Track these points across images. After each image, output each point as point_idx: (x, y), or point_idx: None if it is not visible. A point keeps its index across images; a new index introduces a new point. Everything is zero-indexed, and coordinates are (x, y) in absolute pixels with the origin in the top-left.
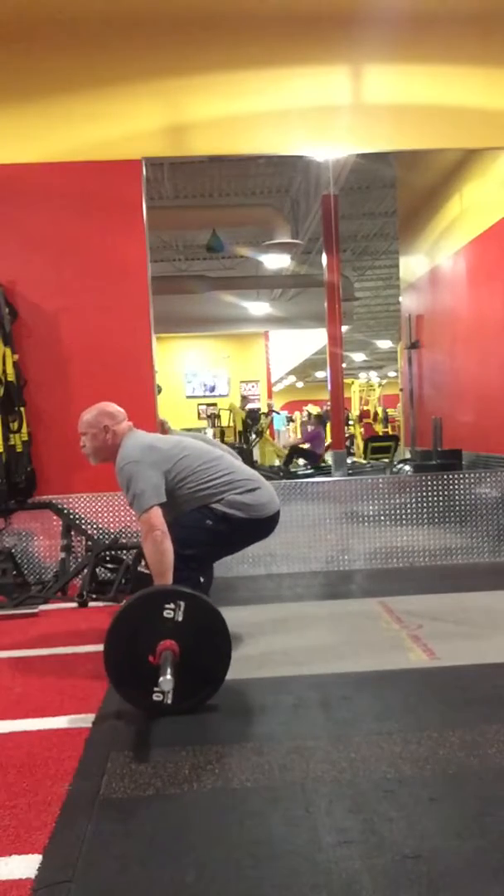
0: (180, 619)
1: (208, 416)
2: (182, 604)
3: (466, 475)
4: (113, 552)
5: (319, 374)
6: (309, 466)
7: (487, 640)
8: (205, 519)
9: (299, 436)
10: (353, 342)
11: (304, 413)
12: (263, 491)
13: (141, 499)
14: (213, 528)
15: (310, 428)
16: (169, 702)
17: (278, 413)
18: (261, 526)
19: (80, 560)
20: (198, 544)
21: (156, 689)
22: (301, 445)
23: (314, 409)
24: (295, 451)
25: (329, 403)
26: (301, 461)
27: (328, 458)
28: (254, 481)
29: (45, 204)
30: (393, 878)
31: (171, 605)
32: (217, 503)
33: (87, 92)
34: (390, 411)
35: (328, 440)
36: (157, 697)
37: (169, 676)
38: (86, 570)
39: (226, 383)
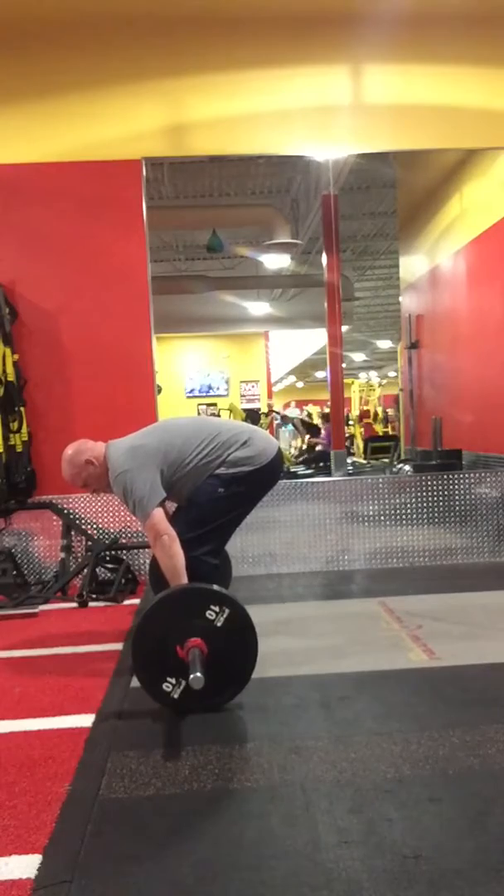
0: (219, 624)
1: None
2: (227, 612)
3: (466, 475)
4: (113, 552)
5: (319, 374)
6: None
7: (487, 640)
8: (216, 489)
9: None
10: (353, 342)
11: (304, 413)
12: (256, 438)
13: (141, 505)
14: (227, 494)
15: (323, 428)
16: (176, 696)
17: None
18: (270, 470)
19: (80, 560)
20: (220, 515)
21: (169, 678)
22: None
23: (314, 409)
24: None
25: (329, 403)
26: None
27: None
28: (244, 432)
29: (45, 204)
30: (393, 878)
31: (217, 609)
32: (220, 468)
33: (87, 92)
34: (390, 411)
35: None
36: (166, 687)
37: (199, 674)
38: (86, 570)
39: (226, 383)
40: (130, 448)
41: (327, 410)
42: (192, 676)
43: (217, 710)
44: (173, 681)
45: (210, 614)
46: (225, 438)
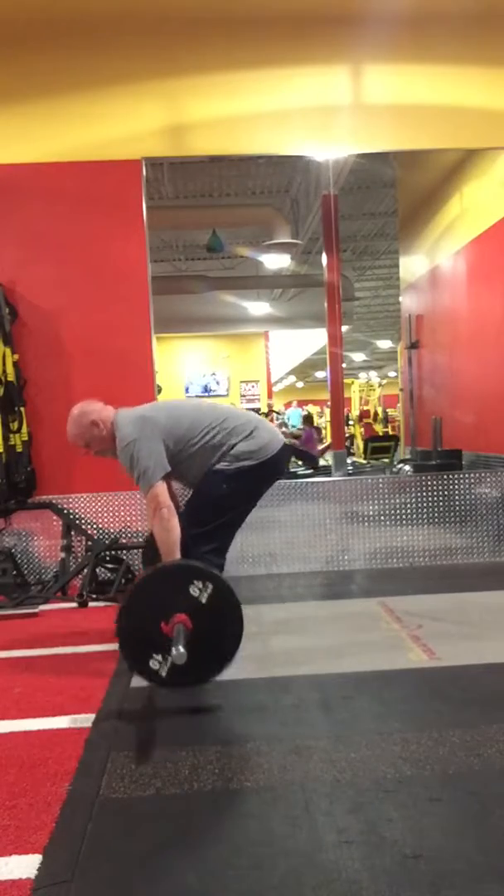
0: (203, 600)
1: None
2: (210, 587)
3: (466, 475)
4: (113, 552)
5: (319, 374)
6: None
7: (487, 640)
8: (220, 485)
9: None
10: (353, 342)
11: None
12: (262, 430)
13: (146, 476)
14: (231, 491)
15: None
16: (164, 674)
17: (278, 413)
18: (273, 464)
19: (80, 560)
20: (225, 511)
21: (155, 655)
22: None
23: (314, 409)
24: (293, 452)
25: (329, 403)
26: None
27: (328, 458)
28: (251, 422)
29: (46, 204)
30: (393, 878)
31: (200, 585)
32: (224, 460)
33: (87, 92)
34: (390, 411)
35: (327, 440)
36: (154, 665)
37: (182, 650)
38: (86, 570)
39: (226, 383)
40: (140, 418)
41: (305, 413)
42: (174, 651)
43: (205, 682)
44: (160, 657)
45: (194, 591)
46: (232, 426)
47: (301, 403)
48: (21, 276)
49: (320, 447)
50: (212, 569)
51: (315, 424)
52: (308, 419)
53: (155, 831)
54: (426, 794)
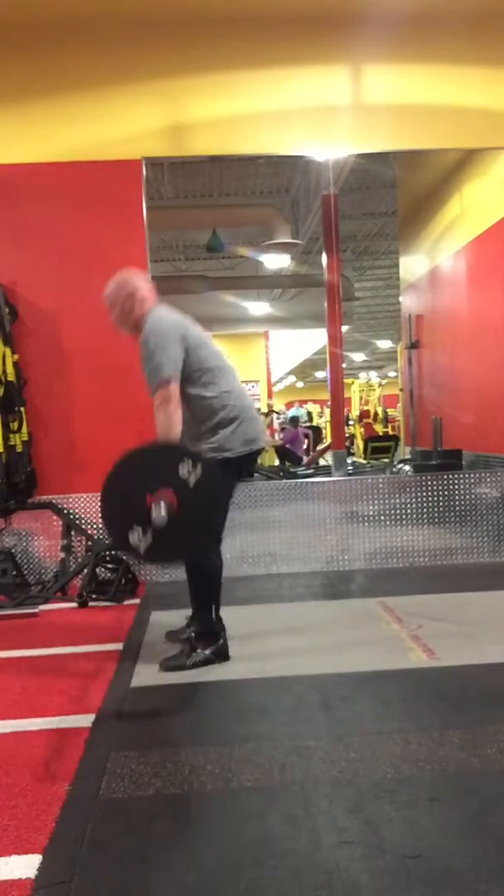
0: (191, 483)
1: None
2: (199, 471)
3: (466, 475)
4: (113, 552)
5: (319, 374)
6: (292, 468)
7: (487, 640)
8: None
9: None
10: (353, 342)
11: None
12: (257, 420)
13: (157, 371)
14: (227, 481)
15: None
16: (142, 550)
17: (278, 413)
18: (252, 457)
19: (80, 560)
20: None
21: (136, 525)
22: (285, 446)
23: (314, 409)
24: (278, 452)
25: (329, 403)
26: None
27: (328, 458)
28: (251, 407)
29: (45, 204)
30: (393, 878)
31: (189, 467)
32: (206, 435)
33: (87, 92)
34: (391, 411)
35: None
36: (133, 537)
37: (164, 513)
38: (86, 570)
39: None
40: (175, 323)
41: (290, 415)
42: (154, 514)
43: (181, 562)
44: (139, 532)
45: (183, 472)
46: (238, 400)
47: (302, 404)
48: (21, 276)
49: (319, 447)
50: (204, 457)
51: (311, 425)
52: (294, 421)
53: (155, 831)
54: (426, 794)
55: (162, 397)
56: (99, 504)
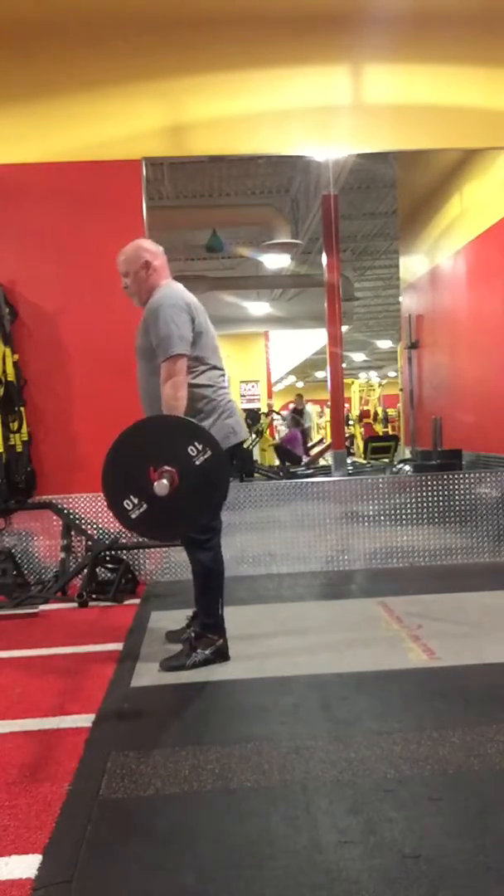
0: (198, 462)
1: None
2: (208, 453)
3: (466, 475)
4: (113, 552)
5: (319, 374)
6: (292, 467)
7: (487, 640)
8: None
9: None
10: (353, 342)
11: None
12: (236, 414)
13: (165, 343)
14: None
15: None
16: (133, 516)
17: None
18: (233, 450)
19: (80, 560)
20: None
21: (133, 497)
22: (284, 446)
23: (315, 408)
24: (277, 452)
25: (329, 403)
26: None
27: (328, 458)
28: (232, 402)
29: (46, 204)
30: (393, 878)
31: (199, 447)
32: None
33: (87, 92)
34: (390, 411)
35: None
36: (127, 504)
37: (165, 482)
38: (86, 570)
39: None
40: (190, 300)
41: (293, 416)
42: (156, 483)
43: (173, 544)
44: (135, 500)
45: (192, 450)
46: (226, 396)
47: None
48: (21, 276)
49: (319, 448)
50: (214, 441)
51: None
52: (295, 420)
53: (155, 831)
54: (426, 794)
55: (169, 372)
56: (101, 477)
